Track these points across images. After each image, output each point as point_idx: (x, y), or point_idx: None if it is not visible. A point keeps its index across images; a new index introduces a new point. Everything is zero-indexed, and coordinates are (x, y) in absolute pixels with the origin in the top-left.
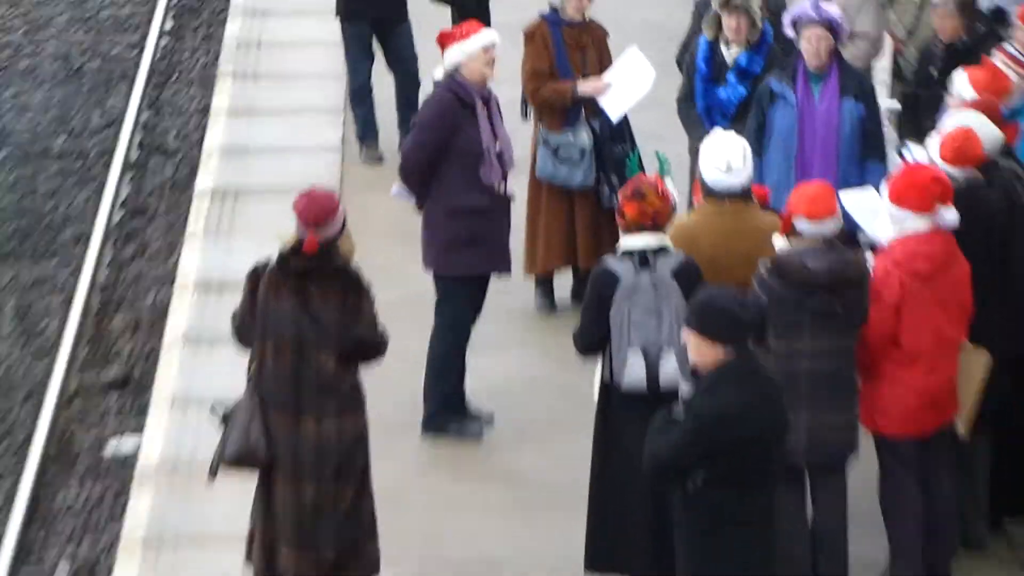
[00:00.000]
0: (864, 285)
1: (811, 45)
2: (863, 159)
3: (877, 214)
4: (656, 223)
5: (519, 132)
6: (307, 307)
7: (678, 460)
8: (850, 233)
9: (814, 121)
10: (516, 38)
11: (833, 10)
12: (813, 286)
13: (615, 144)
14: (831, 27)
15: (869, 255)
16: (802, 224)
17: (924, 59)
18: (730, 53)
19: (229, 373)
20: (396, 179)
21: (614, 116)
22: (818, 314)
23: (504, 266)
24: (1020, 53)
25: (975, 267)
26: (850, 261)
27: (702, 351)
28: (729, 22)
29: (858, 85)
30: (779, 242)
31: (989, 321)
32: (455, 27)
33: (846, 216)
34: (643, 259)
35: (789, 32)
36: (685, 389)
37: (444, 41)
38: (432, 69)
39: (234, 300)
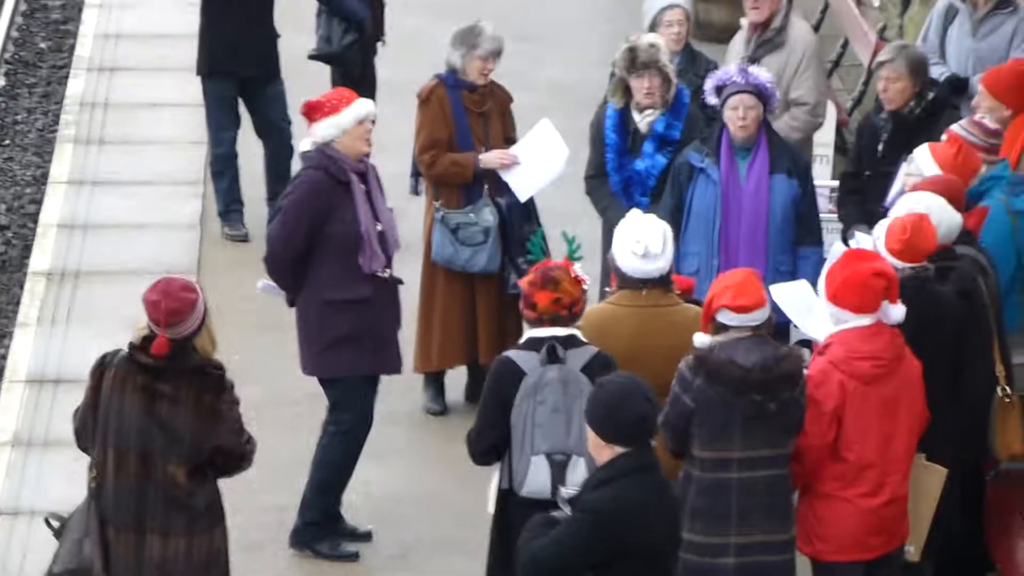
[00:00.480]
0: (801, 383)
1: (737, 114)
2: (796, 244)
3: (812, 309)
4: (573, 314)
5: (408, 209)
6: (155, 410)
7: (564, 561)
8: (779, 324)
9: (740, 201)
10: (404, 99)
11: (763, 75)
12: (743, 385)
13: (523, 224)
14: (760, 94)
15: (805, 353)
16: (726, 316)
17: (868, 131)
18: (644, 119)
19: (65, 480)
20: (261, 269)
21: (522, 196)
22: (749, 416)
23: (393, 365)
24: (988, 128)
25: (926, 369)
26: (784, 356)
27: (597, 447)
28: (639, 84)
29: (791, 160)
30: (700, 338)
31: (942, 429)
32: (323, 97)
33: (776, 310)
34: (551, 352)
35: (712, 99)
36: (565, 491)
37: (311, 114)
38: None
39: (70, 398)
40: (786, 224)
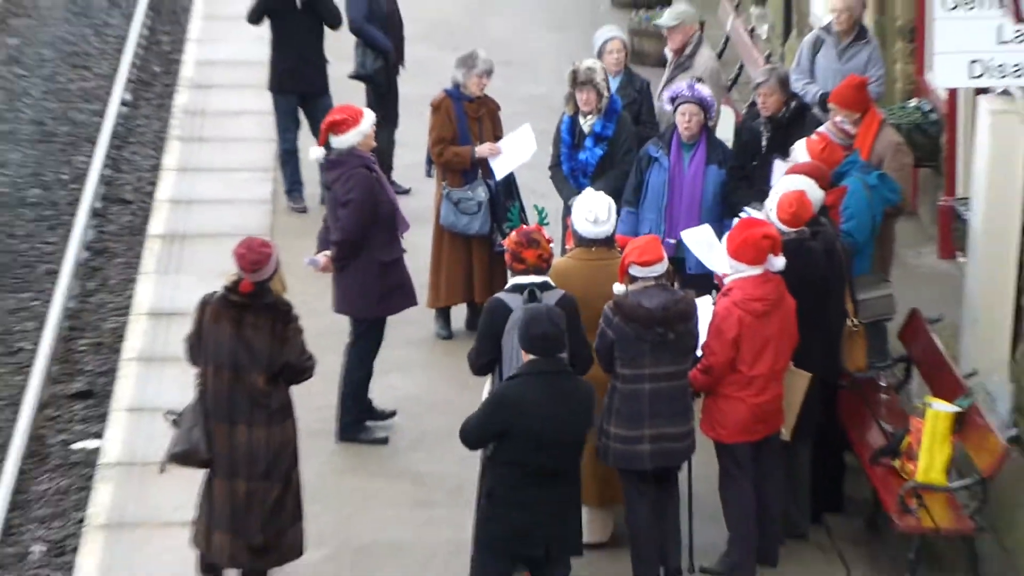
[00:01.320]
0: (693, 318)
1: (684, 119)
2: (721, 216)
3: (712, 248)
4: (548, 265)
5: (422, 188)
6: (242, 335)
7: (474, 432)
8: (695, 274)
9: (683, 183)
10: (420, 109)
11: (705, 91)
12: (649, 321)
13: (506, 200)
14: (702, 105)
15: (709, 298)
16: (635, 270)
17: (747, 132)
18: (587, 122)
19: (177, 386)
20: (316, 232)
21: (498, 175)
22: (655, 344)
23: (414, 302)
24: (843, 132)
25: (800, 305)
26: (679, 299)
27: (523, 355)
28: (580, 96)
29: (722, 155)
30: (618, 287)
31: (811, 349)
32: (342, 114)
33: (689, 255)
34: (531, 294)
35: (667, 107)
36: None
37: (338, 128)
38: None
39: (180, 327)
40: (715, 202)
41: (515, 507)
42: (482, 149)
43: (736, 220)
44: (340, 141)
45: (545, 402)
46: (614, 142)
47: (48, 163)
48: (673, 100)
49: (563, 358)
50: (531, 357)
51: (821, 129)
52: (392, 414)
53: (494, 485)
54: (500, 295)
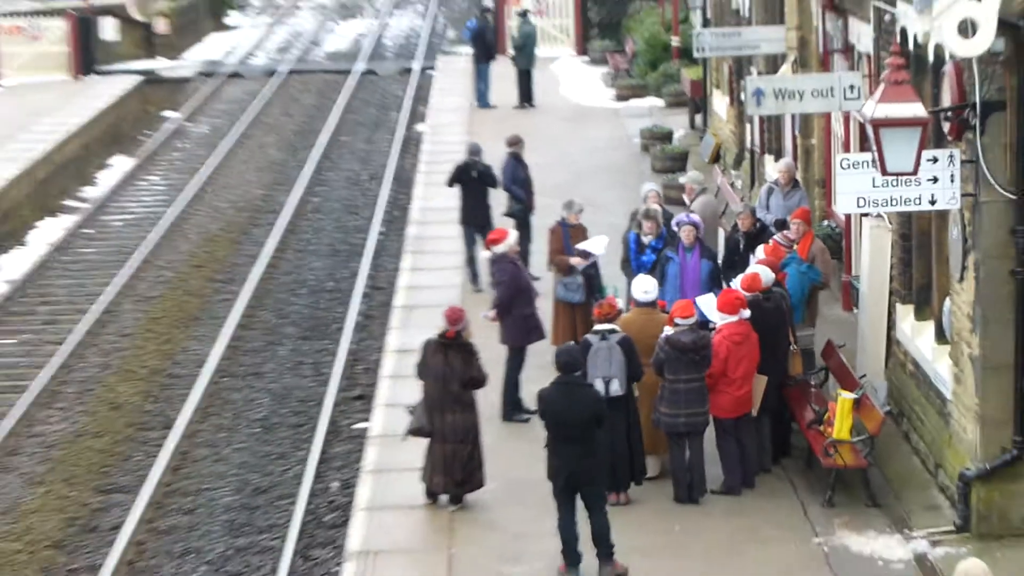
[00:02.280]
0: (709, 348)
1: (685, 234)
2: (709, 289)
3: (711, 306)
4: (610, 319)
5: (547, 275)
6: (447, 362)
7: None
8: (703, 322)
9: (687, 270)
10: (543, 233)
11: (696, 217)
12: (685, 349)
13: (596, 284)
14: (695, 225)
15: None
16: (678, 321)
17: (730, 241)
18: (646, 238)
19: (412, 392)
20: (486, 305)
21: (592, 256)
22: (687, 362)
23: (544, 337)
24: (788, 240)
25: (761, 338)
26: (702, 336)
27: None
28: (647, 225)
29: (710, 253)
30: (667, 330)
31: (766, 364)
32: (498, 233)
33: (700, 312)
34: (603, 335)
35: (675, 227)
36: (600, 387)
37: (496, 241)
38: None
39: (411, 358)
40: (706, 280)
41: (552, 455)
42: (574, 260)
43: (721, 290)
44: (497, 249)
45: (559, 399)
46: (660, 252)
47: (337, 268)
48: (678, 224)
49: (577, 375)
50: (559, 373)
51: (775, 238)
52: (533, 412)
53: (546, 444)
54: (587, 335)
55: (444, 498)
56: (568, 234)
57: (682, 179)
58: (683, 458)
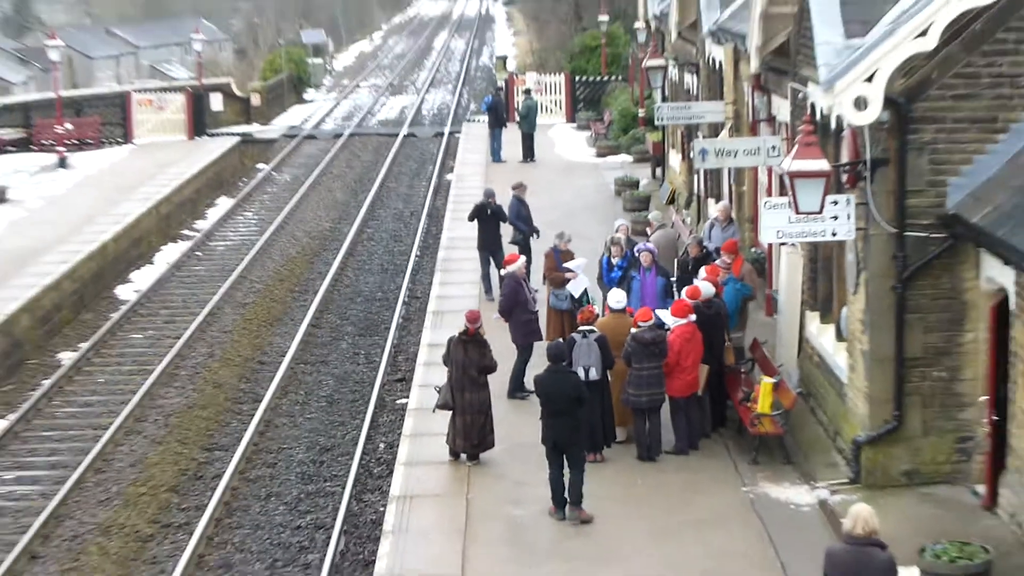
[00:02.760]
0: (665, 343)
1: (644, 258)
2: (664, 300)
3: (666, 313)
4: (590, 322)
5: (543, 288)
6: (467, 353)
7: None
8: (659, 324)
9: (646, 286)
10: (540, 257)
11: (651, 245)
12: (647, 344)
13: (581, 295)
14: (650, 252)
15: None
16: (641, 324)
17: (681, 263)
18: (614, 260)
19: (440, 376)
20: (494, 309)
21: (576, 270)
22: (648, 353)
23: (542, 338)
24: (725, 263)
25: (704, 337)
26: (659, 334)
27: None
28: (614, 250)
29: (664, 272)
30: (632, 330)
31: (708, 356)
32: (512, 258)
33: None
34: (584, 334)
35: (636, 253)
36: (580, 373)
37: (508, 264)
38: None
39: (440, 350)
40: (661, 293)
41: (544, 426)
42: (566, 275)
43: (673, 300)
44: (509, 269)
45: (550, 382)
46: (626, 270)
47: (385, 282)
48: (637, 250)
49: (564, 364)
50: (549, 362)
51: (716, 262)
52: (528, 390)
53: (540, 416)
54: (573, 334)
55: (463, 456)
56: (559, 257)
57: (649, 216)
58: (644, 427)
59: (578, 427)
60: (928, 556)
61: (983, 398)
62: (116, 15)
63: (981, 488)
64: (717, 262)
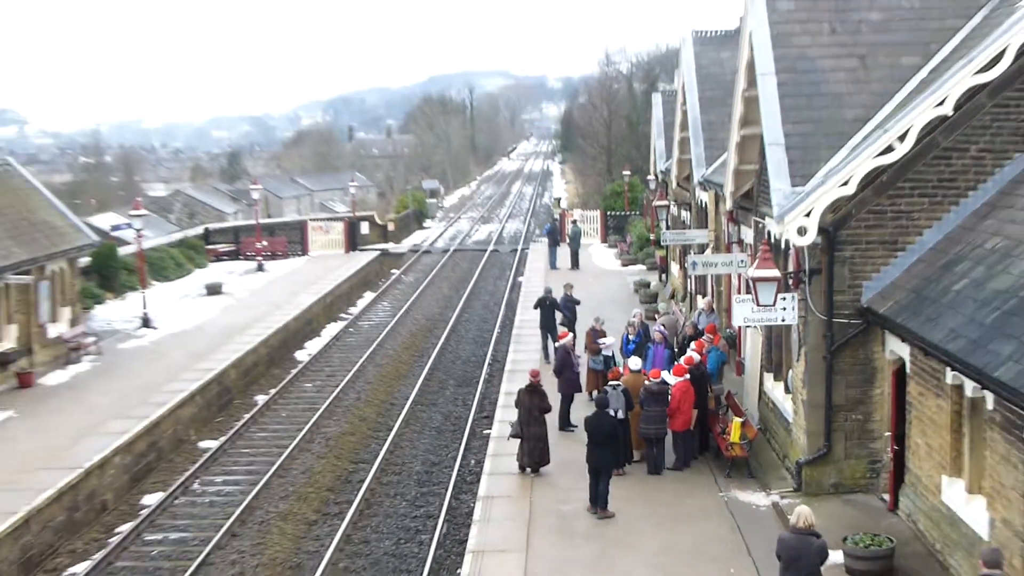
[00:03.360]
0: (668, 394)
1: (656, 336)
2: (669, 364)
3: (670, 373)
4: (617, 379)
5: (584, 355)
6: (531, 399)
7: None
8: (664, 381)
9: (657, 355)
10: (582, 333)
11: (664, 329)
12: (655, 394)
13: (610, 360)
14: (662, 332)
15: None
16: (651, 379)
17: (683, 339)
18: (631, 336)
19: (513, 414)
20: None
21: (607, 343)
22: (656, 401)
23: (581, 389)
24: (708, 339)
25: (695, 390)
26: (665, 387)
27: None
28: (630, 329)
29: (669, 346)
30: (647, 383)
31: (697, 403)
32: (562, 335)
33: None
34: (614, 387)
35: (652, 333)
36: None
37: (560, 338)
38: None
39: (514, 397)
40: (666, 361)
41: (589, 451)
42: (602, 348)
43: (674, 365)
44: (562, 343)
45: (595, 422)
46: (640, 345)
47: (476, 350)
48: (654, 331)
49: (607, 411)
50: (596, 408)
51: (701, 339)
52: (575, 426)
53: (587, 444)
54: (606, 387)
55: (528, 470)
56: (596, 333)
57: (659, 307)
58: (652, 451)
59: (610, 454)
60: (849, 543)
61: (887, 434)
62: (298, 168)
63: (886, 496)
64: (703, 338)
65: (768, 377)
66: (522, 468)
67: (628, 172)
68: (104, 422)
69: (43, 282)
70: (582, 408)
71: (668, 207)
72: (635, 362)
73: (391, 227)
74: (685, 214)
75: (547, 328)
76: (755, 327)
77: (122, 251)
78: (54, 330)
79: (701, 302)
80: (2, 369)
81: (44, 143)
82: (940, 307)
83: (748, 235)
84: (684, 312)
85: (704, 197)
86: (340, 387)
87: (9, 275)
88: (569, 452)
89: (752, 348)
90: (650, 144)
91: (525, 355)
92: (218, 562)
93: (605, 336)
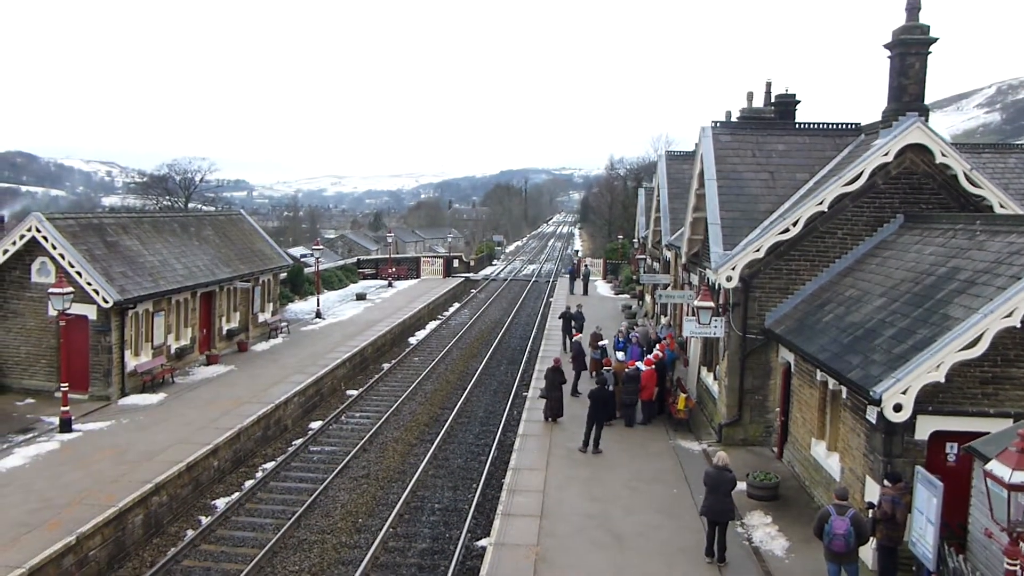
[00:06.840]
0: (640, 377)
1: (635, 340)
2: (641, 358)
3: (642, 365)
4: (607, 365)
5: (588, 350)
6: (554, 374)
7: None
8: (638, 368)
9: (633, 351)
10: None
11: (640, 336)
12: (631, 377)
13: (604, 353)
14: (638, 337)
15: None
16: (629, 367)
17: (651, 342)
18: (620, 339)
19: (542, 383)
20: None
21: (602, 343)
22: (632, 380)
23: (586, 368)
24: (667, 343)
25: (657, 375)
26: (638, 372)
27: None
28: (619, 334)
29: (642, 346)
30: (627, 370)
31: (659, 383)
32: (576, 334)
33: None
34: (607, 371)
35: (631, 338)
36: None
37: (575, 335)
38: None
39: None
40: (640, 356)
41: (590, 411)
42: (600, 344)
43: (645, 358)
44: (576, 339)
45: (597, 393)
46: (625, 345)
47: (521, 342)
48: (633, 336)
49: (604, 386)
50: (596, 384)
51: (662, 342)
52: (580, 392)
53: (589, 407)
54: (602, 371)
55: (549, 419)
56: (596, 336)
57: (637, 321)
58: (629, 412)
59: (604, 412)
60: (751, 477)
61: (777, 409)
62: (417, 224)
63: (776, 449)
64: (663, 341)
65: (703, 369)
66: (545, 418)
67: (621, 236)
68: (289, 376)
69: (257, 287)
70: (586, 382)
71: (645, 259)
72: (619, 356)
73: (472, 263)
74: (656, 264)
75: (566, 331)
76: (697, 338)
77: (307, 270)
78: (262, 317)
79: (663, 320)
80: (229, 340)
81: (262, 202)
82: (814, 331)
83: (695, 279)
84: (652, 326)
85: (668, 255)
86: (435, 361)
87: (238, 282)
88: (576, 409)
89: (694, 351)
90: (635, 220)
91: (552, 346)
92: (354, 465)
93: (602, 338)
